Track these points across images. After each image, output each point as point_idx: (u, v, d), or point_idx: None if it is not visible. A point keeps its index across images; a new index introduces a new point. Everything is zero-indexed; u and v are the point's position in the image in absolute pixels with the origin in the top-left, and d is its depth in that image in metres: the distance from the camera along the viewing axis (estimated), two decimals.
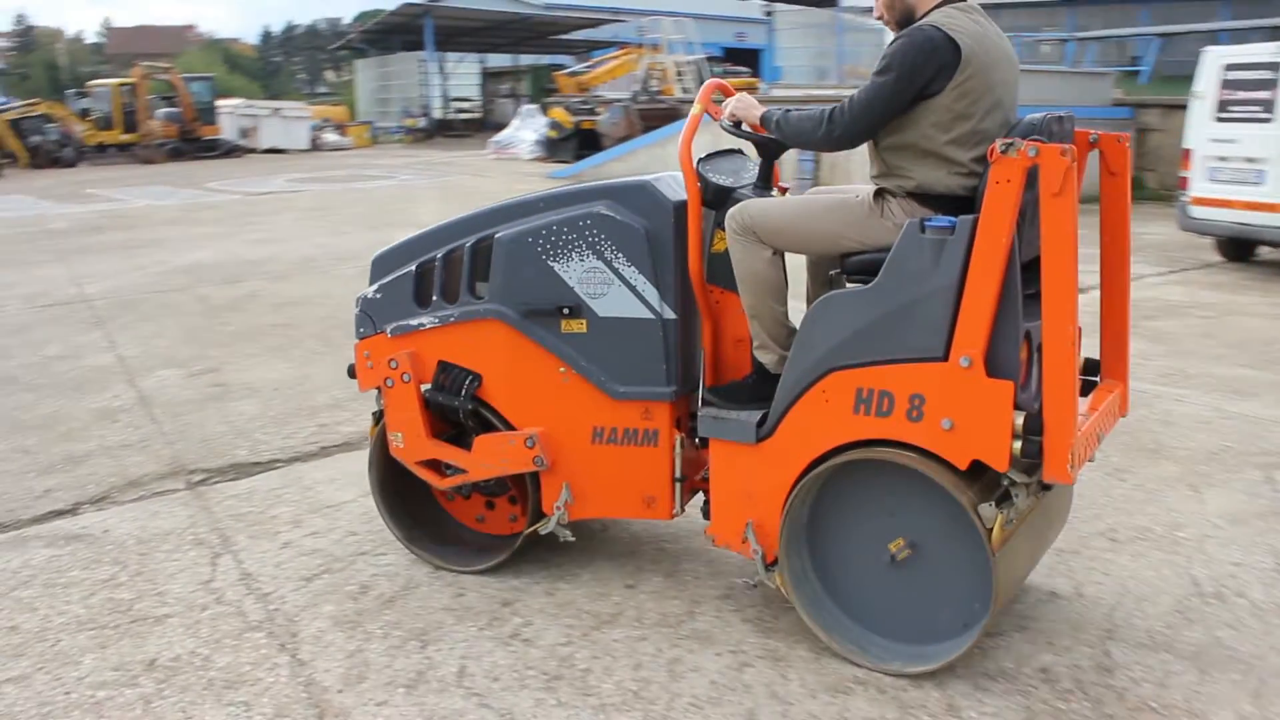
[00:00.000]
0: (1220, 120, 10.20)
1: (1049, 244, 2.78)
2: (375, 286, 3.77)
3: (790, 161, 14.09)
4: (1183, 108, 11.14)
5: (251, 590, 3.83)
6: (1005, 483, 2.95)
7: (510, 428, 3.61)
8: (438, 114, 42.59)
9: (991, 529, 2.88)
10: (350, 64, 61.48)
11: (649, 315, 3.39)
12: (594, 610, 3.62)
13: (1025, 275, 2.90)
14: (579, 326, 3.44)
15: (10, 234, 14.75)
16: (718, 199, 3.37)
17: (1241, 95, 10.07)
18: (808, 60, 41.88)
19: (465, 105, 47.79)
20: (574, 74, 34.17)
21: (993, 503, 2.91)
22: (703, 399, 3.38)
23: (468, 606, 3.66)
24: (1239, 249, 10.72)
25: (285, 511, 4.56)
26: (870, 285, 2.99)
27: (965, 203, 3.00)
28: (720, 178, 3.42)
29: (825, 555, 3.29)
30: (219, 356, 7.32)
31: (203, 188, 21.19)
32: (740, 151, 3.66)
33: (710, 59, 33.03)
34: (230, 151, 32.40)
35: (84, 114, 34.42)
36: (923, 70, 2.93)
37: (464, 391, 3.61)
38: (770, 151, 3.46)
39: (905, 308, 2.92)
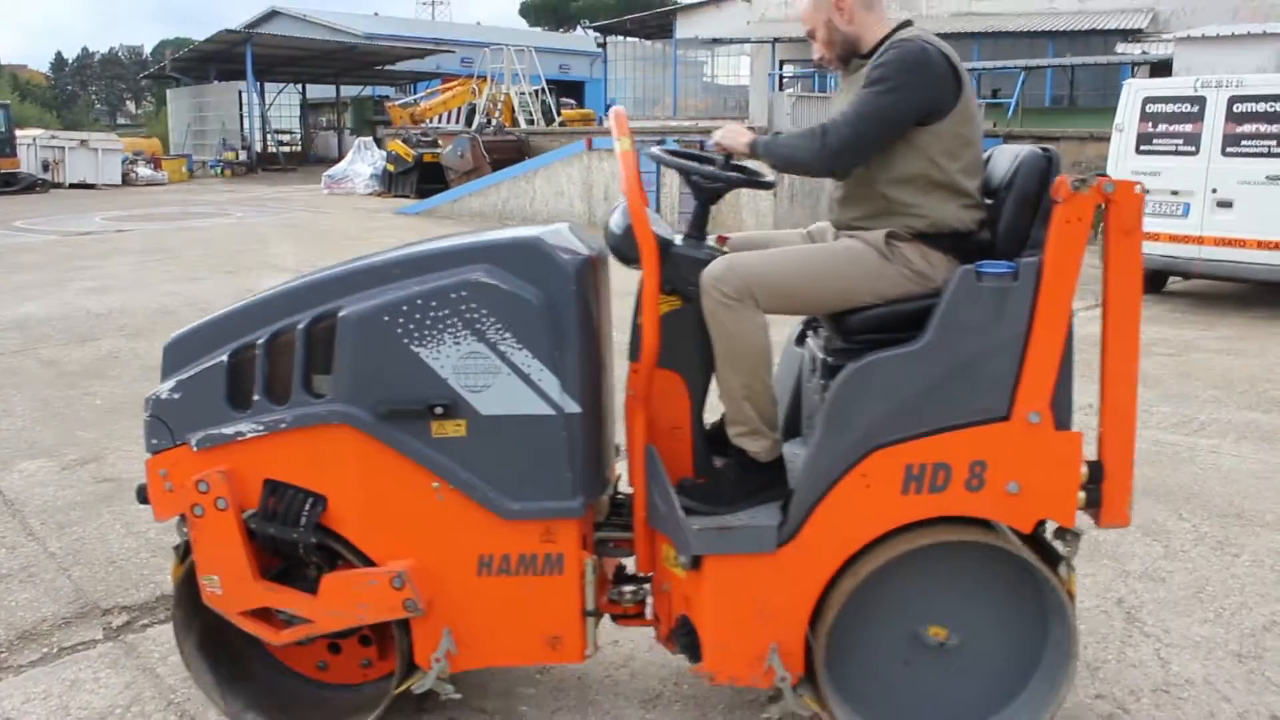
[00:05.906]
0: (1142, 153, 10.06)
1: (1117, 285, 2.70)
2: (172, 383, 2.93)
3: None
4: (1098, 139, 11.00)
5: None
6: (1065, 538, 2.80)
7: (369, 563, 2.82)
8: (258, 147, 40.28)
9: (1070, 589, 2.78)
10: (156, 94, 57.70)
11: (548, 410, 2.72)
12: None
13: None
14: (456, 429, 2.74)
15: None
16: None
17: (1164, 128, 9.96)
18: (641, 92, 42.02)
19: (286, 138, 45.55)
20: (406, 105, 32.85)
21: (1064, 562, 2.79)
22: (683, 507, 2.76)
23: None
24: (1155, 281, 10.62)
25: None
26: (919, 345, 2.65)
27: (971, 240, 2.80)
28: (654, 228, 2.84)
29: (854, 659, 2.86)
30: (94, 440, 5.91)
31: (10, 226, 18.92)
32: None
33: (548, 89, 32.39)
34: (32, 186, 29.66)
35: None
36: (924, 86, 2.69)
37: (303, 520, 2.78)
38: (709, 194, 2.95)
39: (963, 366, 2.65)
